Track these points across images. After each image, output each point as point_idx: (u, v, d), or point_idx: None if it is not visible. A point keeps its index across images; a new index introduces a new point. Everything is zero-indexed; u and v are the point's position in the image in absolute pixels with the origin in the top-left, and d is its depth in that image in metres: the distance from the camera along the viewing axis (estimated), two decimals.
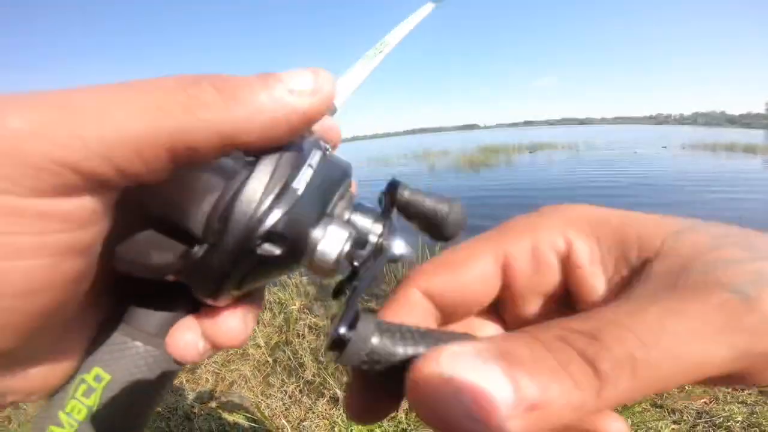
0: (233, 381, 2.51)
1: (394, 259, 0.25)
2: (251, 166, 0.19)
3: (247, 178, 0.19)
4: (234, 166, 0.20)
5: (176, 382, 2.60)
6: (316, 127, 0.22)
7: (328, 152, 0.22)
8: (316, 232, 0.21)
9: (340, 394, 2.22)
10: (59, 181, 0.14)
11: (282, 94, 0.18)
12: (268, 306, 3.50)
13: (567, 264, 0.20)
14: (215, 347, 0.23)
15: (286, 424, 2.03)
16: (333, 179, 0.23)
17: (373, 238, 0.24)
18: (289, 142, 0.20)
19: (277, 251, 0.19)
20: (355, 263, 0.23)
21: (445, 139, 48.91)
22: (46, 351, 0.20)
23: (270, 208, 0.19)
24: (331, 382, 2.33)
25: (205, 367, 2.70)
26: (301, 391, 2.35)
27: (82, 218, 0.16)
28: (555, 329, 0.14)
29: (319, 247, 0.20)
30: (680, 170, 10.30)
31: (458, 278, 0.21)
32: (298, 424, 2.06)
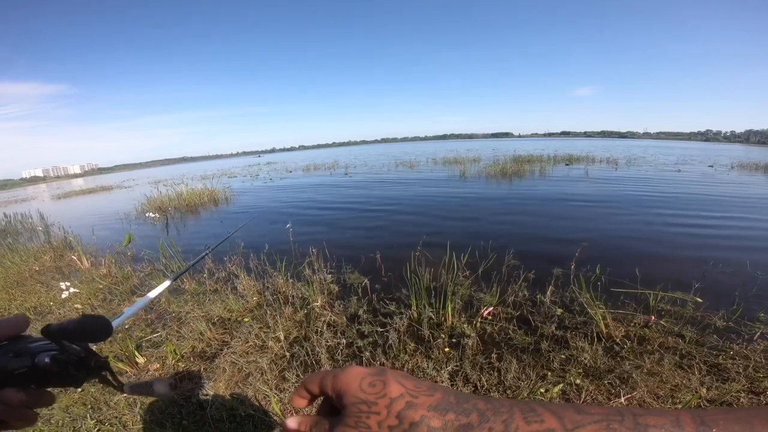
0: (249, 373, 2.52)
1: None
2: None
3: None
4: None
5: (194, 368, 2.64)
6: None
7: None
8: None
9: None
10: None
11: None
12: (290, 300, 3.52)
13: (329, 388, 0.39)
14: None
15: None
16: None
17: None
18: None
19: None
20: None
21: (477, 147, 48.16)
22: None
23: None
24: None
25: (223, 357, 2.73)
26: None
27: None
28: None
29: None
30: (725, 193, 9.73)
31: (310, 386, 0.41)
32: None
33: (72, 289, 3.92)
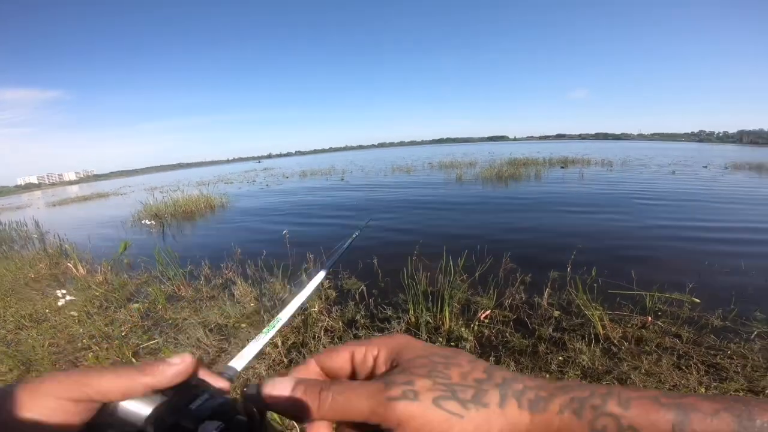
0: (248, 379, 2.52)
1: None
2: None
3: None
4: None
5: None
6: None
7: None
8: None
9: None
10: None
11: (168, 368, 0.34)
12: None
13: (376, 360, 0.35)
14: None
15: (295, 425, 2.01)
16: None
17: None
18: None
19: None
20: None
21: (473, 150, 48.24)
22: None
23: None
24: None
25: (220, 363, 2.73)
26: None
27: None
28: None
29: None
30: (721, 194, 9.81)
31: (333, 360, 0.36)
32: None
33: (68, 297, 3.90)
